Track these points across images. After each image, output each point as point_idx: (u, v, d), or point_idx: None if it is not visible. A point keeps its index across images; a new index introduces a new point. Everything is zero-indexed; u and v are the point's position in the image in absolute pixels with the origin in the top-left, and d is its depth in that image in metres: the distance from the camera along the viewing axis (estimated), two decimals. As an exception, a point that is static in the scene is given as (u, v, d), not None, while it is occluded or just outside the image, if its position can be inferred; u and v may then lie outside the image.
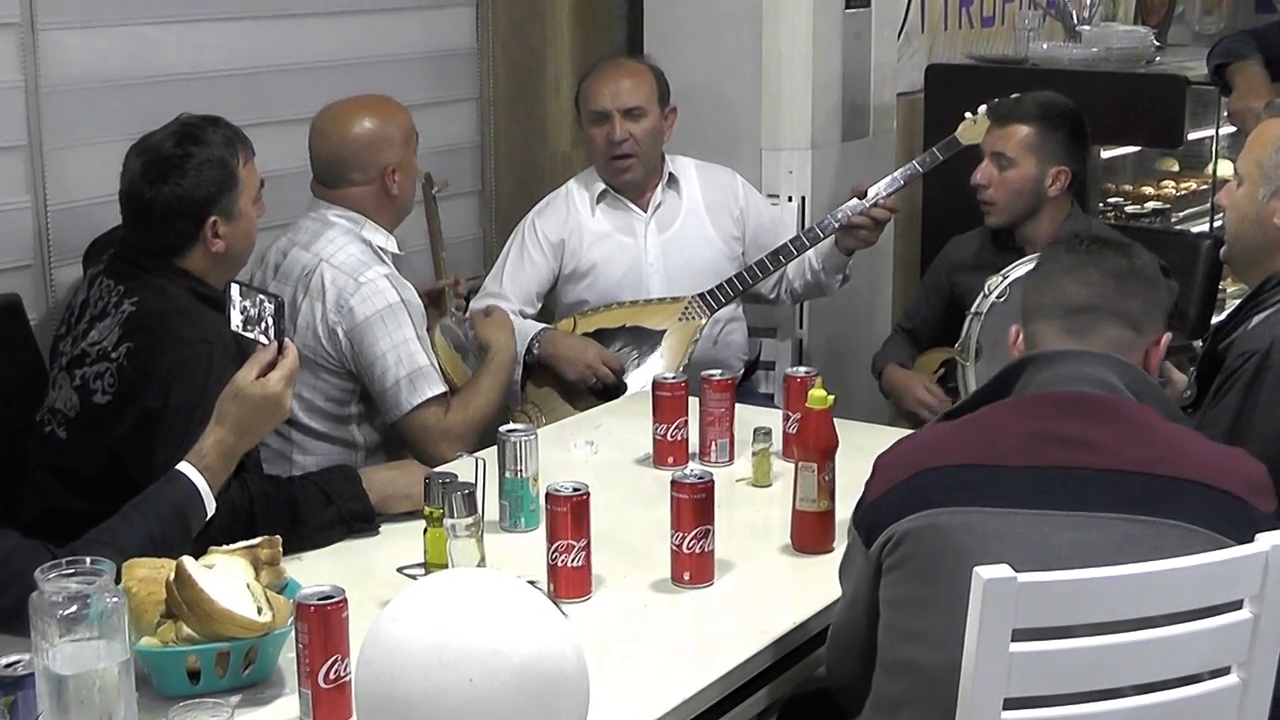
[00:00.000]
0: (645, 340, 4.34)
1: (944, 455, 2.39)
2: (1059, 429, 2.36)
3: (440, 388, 3.70)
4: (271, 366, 2.73)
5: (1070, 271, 2.54)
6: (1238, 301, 3.31)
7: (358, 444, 3.80)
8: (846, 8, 5.11)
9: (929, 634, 2.31)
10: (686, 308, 4.39)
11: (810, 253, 4.50)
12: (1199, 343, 3.82)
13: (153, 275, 3.22)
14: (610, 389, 4.27)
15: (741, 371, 4.59)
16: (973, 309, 3.85)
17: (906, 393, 4.33)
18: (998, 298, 3.80)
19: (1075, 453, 2.33)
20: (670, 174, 4.56)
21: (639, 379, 4.26)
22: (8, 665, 2.16)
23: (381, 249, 3.78)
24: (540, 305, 4.50)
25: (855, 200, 4.37)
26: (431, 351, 3.75)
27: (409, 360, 3.66)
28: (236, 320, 2.81)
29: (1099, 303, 2.50)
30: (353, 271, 3.68)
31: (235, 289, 2.82)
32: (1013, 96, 4.31)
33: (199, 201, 3.19)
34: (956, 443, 2.41)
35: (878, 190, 4.37)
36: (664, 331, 4.36)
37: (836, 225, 4.39)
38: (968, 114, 4.41)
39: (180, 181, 3.18)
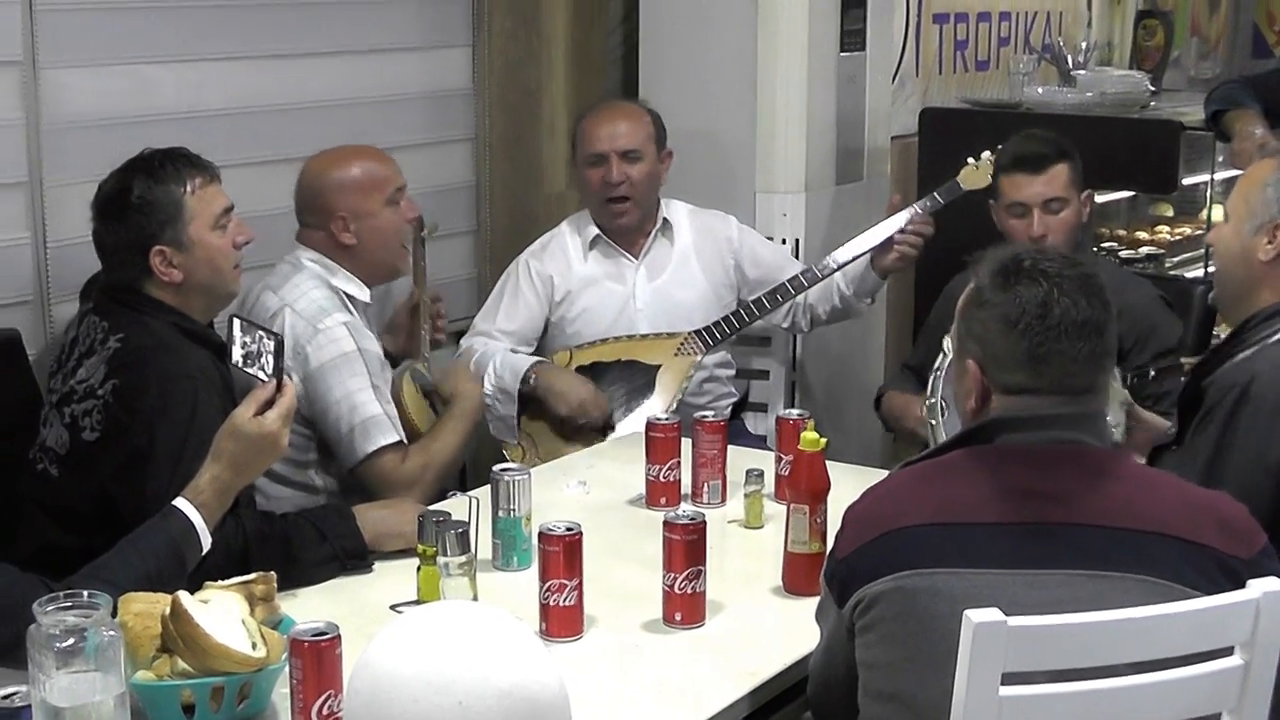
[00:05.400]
0: (640, 375, 4.34)
1: (912, 513, 2.35)
2: (1028, 483, 2.33)
3: (394, 437, 3.63)
4: (269, 404, 2.75)
5: (1066, 340, 2.35)
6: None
7: (318, 488, 3.75)
8: (841, 51, 5.13)
9: (903, 696, 2.32)
10: (682, 344, 4.39)
11: (838, 277, 4.50)
12: (1186, 360, 3.82)
13: (136, 312, 3.24)
14: (597, 430, 4.28)
15: (729, 412, 4.57)
16: (935, 365, 3.78)
17: (906, 413, 4.25)
18: None
19: (1044, 507, 2.31)
20: (664, 219, 4.56)
21: (633, 418, 4.25)
22: (5, 697, 2.18)
23: (352, 297, 3.75)
24: (534, 346, 4.47)
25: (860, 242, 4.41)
26: (389, 400, 3.69)
27: (362, 409, 3.61)
28: (237, 355, 2.81)
29: (1096, 383, 2.40)
30: (312, 318, 3.64)
31: (237, 324, 2.82)
32: (1019, 144, 4.23)
33: (139, 234, 3.22)
34: (924, 498, 2.38)
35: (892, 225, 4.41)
36: (659, 367, 4.36)
37: (835, 268, 4.41)
38: (970, 159, 4.40)
39: (121, 216, 3.22)
